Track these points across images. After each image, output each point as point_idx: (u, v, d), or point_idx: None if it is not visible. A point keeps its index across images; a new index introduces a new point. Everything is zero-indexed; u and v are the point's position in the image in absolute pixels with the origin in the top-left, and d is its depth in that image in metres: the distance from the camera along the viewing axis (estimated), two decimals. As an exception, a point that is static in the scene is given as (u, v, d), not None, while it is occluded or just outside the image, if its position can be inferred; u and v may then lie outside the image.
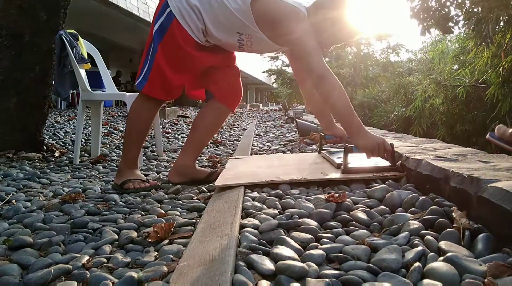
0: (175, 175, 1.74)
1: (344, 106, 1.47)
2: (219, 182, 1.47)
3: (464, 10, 5.14)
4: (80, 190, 1.60)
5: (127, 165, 1.66)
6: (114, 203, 1.41)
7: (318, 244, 0.88)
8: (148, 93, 1.59)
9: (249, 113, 10.93)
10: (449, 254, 0.74)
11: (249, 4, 1.49)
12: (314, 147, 2.62)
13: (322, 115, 2.01)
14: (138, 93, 1.67)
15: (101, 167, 2.18)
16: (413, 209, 1.07)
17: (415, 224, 0.93)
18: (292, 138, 3.41)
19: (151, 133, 3.57)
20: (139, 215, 1.24)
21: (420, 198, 1.10)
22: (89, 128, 3.72)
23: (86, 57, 2.39)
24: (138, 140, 1.69)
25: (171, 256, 0.90)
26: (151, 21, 1.59)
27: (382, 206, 1.14)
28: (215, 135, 4.04)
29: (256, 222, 1.03)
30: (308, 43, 1.49)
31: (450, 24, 5.34)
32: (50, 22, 2.46)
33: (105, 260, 0.90)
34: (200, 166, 2.17)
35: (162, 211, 1.28)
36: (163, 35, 1.53)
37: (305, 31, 1.50)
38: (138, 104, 1.65)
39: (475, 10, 4.94)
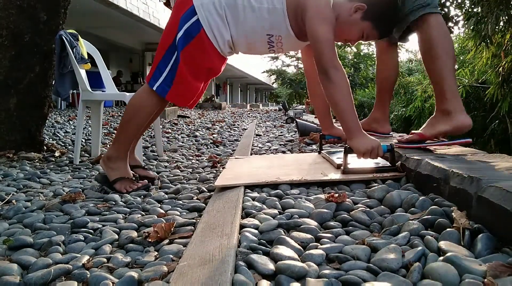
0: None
1: (346, 106, 1.46)
2: (219, 182, 1.47)
3: (463, 10, 5.14)
4: (80, 190, 1.60)
5: (119, 155, 1.61)
6: (114, 203, 1.41)
7: (318, 244, 0.88)
8: (171, 100, 1.58)
9: (249, 113, 10.93)
10: (449, 254, 0.74)
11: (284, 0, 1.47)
12: (314, 147, 2.62)
13: (323, 114, 2.01)
14: (144, 86, 1.61)
15: (101, 167, 2.17)
16: (413, 209, 1.07)
17: (415, 224, 0.93)
18: (292, 138, 3.41)
19: (151, 133, 3.58)
20: (139, 215, 1.24)
21: (420, 198, 1.10)
22: (89, 128, 3.72)
23: (86, 57, 2.39)
24: (136, 132, 1.67)
25: (171, 256, 0.91)
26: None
27: (382, 206, 1.14)
28: (214, 135, 4.05)
29: (256, 222, 1.03)
30: (324, 35, 1.45)
31: (450, 24, 5.34)
32: (50, 22, 2.46)
33: (105, 260, 0.90)
34: (200, 166, 2.17)
35: (162, 211, 1.28)
36: (188, 42, 1.50)
37: (325, 21, 1.46)
38: (144, 98, 1.59)
39: (475, 10, 4.95)
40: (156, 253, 0.95)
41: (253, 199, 1.27)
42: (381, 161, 1.56)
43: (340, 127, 2.00)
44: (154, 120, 1.98)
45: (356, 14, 1.52)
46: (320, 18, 1.47)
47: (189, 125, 5.33)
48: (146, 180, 1.69)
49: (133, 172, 1.69)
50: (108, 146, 3.04)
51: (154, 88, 1.53)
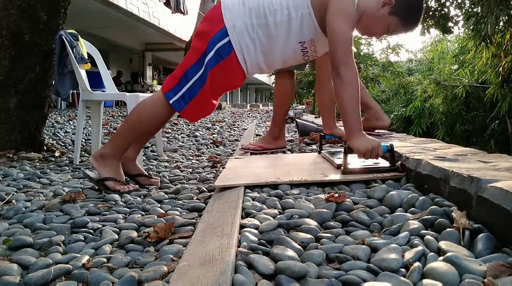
0: None
1: (352, 105, 1.45)
2: (219, 182, 1.47)
3: (463, 10, 5.14)
4: (80, 190, 1.60)
5: (114, 156, 1.58)
6: (114, 203, 1.41)
7: (318, 244, 0.88)
8: (184, 116, 1.58)
9: (249, 113, 10.93)
10: (449, 254, 0.74)
11: (309, 3, 1.48)
12: (314, 147, 2.62)
13: (327, 111, 2.01)
14: (157, 95, 1.58)
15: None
16: (413, 209, 1.07)
17: (415, 224, 0.93)
18: (292, 138, 3.41)
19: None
20: (139, 215, 1.24)
21: (420, 198, 1.10)
22: (89, 128, 3.72)
23: (86, 57, 2.39)
24: (137, 138, 1.65)
25: (171, 256, 0.91)
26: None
27: (382, 206, 1.14)
28: (214, 135, 4.05)
29: (256, 222, 1.03)
30: (341, 29, 1.44)
31: (450, 24, 5.35)
32: (50, 22, 2.46)
33: (105, 260, 0.90)
34: (200, 166, 2.17)
35: (162, 211, 1.28)
36: (217, 63, 1.50)
37: (345, 17, 1.46)
38: (157, 108, 1.57)
39: (475, 10, 4.95)
40: (156, 253, 0.95)
41: (253, 199, 1.27)
42: (381, 161, 1.56)
43: (342, 128, 2.00)
44: (159, 130, 1.99)
45: (383, 8, 1.52)
46: (341, 13, 1.46)
47: (189, 125, 5.33)
48: (137, 185, 1.65)
49: (136, 180, 1.69)
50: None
51: (170, 102, 1.52)
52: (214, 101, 1.59)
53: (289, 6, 1.50)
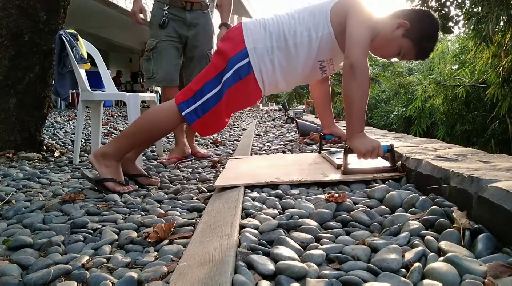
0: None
1: (359, 105, 1.46)
2: (219, 182, 1.47)
3: (464, 10, 5.14)
4: (80, 190, 1.60)
5: (115, 157, 1.59)
6: (113, 203, 1.41)
7: (318, 244, 0.88)
8: (194, 128, 1.59)
9: (249, 113, 10.93)
10: (449, 254, 0.74)
11: (328, 17, 1.49)
12: (314, 147, 2.62)
13: (324, 112, 2.01)
14: (170, 104, 1.59)
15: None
16: (413, 209, 1.07)
17: (415, 224, 0.93)
18: (292, 138, 3.41)
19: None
20: (139, 215, 1.23)
21: (420, 198, 1.10)
22: (89, 128, 3.72)
23: (86, 57, 2.39)
24: (143, 143, 1.68)
25: (171, 256, 0.90)
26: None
27: (382, 206, 1.14)
28: (214, 135, 4.05)
29: (256, 222, 1.03)
30: (359, 34, 1.45)
31: (450, 24, 5.35)
32: (50, 22, 2.46)
33: (105, 260, 0.90)
34: (200, 166, 2.17)
35: (162, 211, 1.28)
36: (235, 82, 1.51)
37: (364, 26, 1.47)
38: (169, 117, 1.58)
39: (475, 10, 4.95)
40: (156, 253, 0.95)
41: (253, 199, 1.26)
42: (381, 161, 1.56)
43: (340, 127, 2.00)
44: (162, 137, 2.03)
45: (398, 30, 1.53)
46: (360, 19, 1.47)
47: (189, 125, 5.31)
48: (136, 186, 1.66)
49: (136, 180, 1.69)
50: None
51: (183, 114, 1.54)
52: (226, 119, 1.60)
53: (310, 27, 1.51)
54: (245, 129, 4.99)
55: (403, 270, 0.74)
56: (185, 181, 1.79)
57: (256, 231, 0.97)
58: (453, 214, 0.93)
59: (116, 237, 1.05)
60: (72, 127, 4.42)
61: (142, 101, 2.40)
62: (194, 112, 1.54)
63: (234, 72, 1.51)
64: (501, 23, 4.66)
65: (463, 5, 5.18)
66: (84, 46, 2.43)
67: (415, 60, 1.67)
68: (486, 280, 0.66)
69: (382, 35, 1.55)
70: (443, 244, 0.81)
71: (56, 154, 2.52)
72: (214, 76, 1.54)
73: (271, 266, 0.77)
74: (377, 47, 1.59)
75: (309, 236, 0.92)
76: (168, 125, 1.63)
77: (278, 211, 1.13)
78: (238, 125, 5.87)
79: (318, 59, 1.57)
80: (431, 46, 1.60)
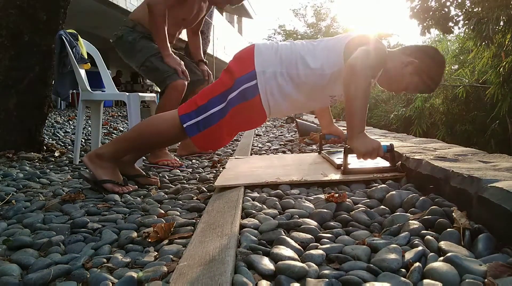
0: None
1: (361, 104, 1.44)
2: (219, 182, 1.47)
3: (464, 10, 5.14)
4: (80, 190, 1.60)
5: (112, 159, 1.58)
6: (113, 203, 1.41)
7: (318, 244, 0.88)
8: (194, 142, 1.57)
9: (249, 113, 10.90)
10: (449, 254, 0.74)
11: (342, 54, 1.49)
12: (314, 147, 2.62)
13: (323, 113, 2.01)
14: (172, 114, 1.58)
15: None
16: (413, 209, 1.07)
17: (415, 224, 0.93)
18: (292, 138, 3.41)
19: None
20: (139, 215, 1.23)
21: (420, 198, 1.10)
22: (89, 128, 3.72)
23: (86, 57, 2.39)
24: (142, 148, 1.68)
25: (171, 256, 0.90)
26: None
27: (382, 206, 1.14)
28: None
29: (256, 222, 1.03)
30: (373, 51, 1.44)
31: (450, 24, 5.35)
32: (50, 22, 2.46)
33: (105, 260, 0.90)
34: (200, 166, 2.16)
35: (162, 211, 1.28)
36: (240, 102, 1.50)
37: (379, 51, 1.47)
38: (171, 128, 1.57)
39: (475, 10, 4.95)
40: (156, 253, 0.95)
41: (253, 199, 1.27)
42: (381, 161, 1.56)
43: (340, 127, 2.00)
44: (162, 147, 2.09)
45: (407, 67, 1.55)
46: (375, 49, 1.46)
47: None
48: (136, 186, 1.66)
49: (136, 180, 1.69)
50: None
51: (184, 125, 1.53)
52: (227, 137, 1.59)
53: (323, 63, 1.51)
54: (245, 129, 4.98)
55: (403, 270, 0.74)
56: (185, 181, 1.79)
57: (256, 231, 0.97)
58: (453, 214, 0.93)
59: (116, 237, 1.05)
60: (72, 127, 4.42)
61: (142, 101, 2.40)
62: (196, 125, 1.53)
63: (240, 92, 1.50)
64: (501, 23, 4.66)
65: (463, 5, 5.18)
66: (84, 46, 2.43)
67: (419, 93, 1.71)
68: (486, 280, 0.66)
69: (392, 70, 1.57)
70: (443, 244, 0.81)
71: (56, 154, 2.52)
72: (220, 93, 1.53)
73: (271, 266, 0.77)
74: (384, 80, 1.63)
75: (309, 236, 0.93)
76: (168, 134, 1.60)
77: (278, 211, 1.13)
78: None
79: (330, 94, 1.59)
80: (436, 82, 1.63)
